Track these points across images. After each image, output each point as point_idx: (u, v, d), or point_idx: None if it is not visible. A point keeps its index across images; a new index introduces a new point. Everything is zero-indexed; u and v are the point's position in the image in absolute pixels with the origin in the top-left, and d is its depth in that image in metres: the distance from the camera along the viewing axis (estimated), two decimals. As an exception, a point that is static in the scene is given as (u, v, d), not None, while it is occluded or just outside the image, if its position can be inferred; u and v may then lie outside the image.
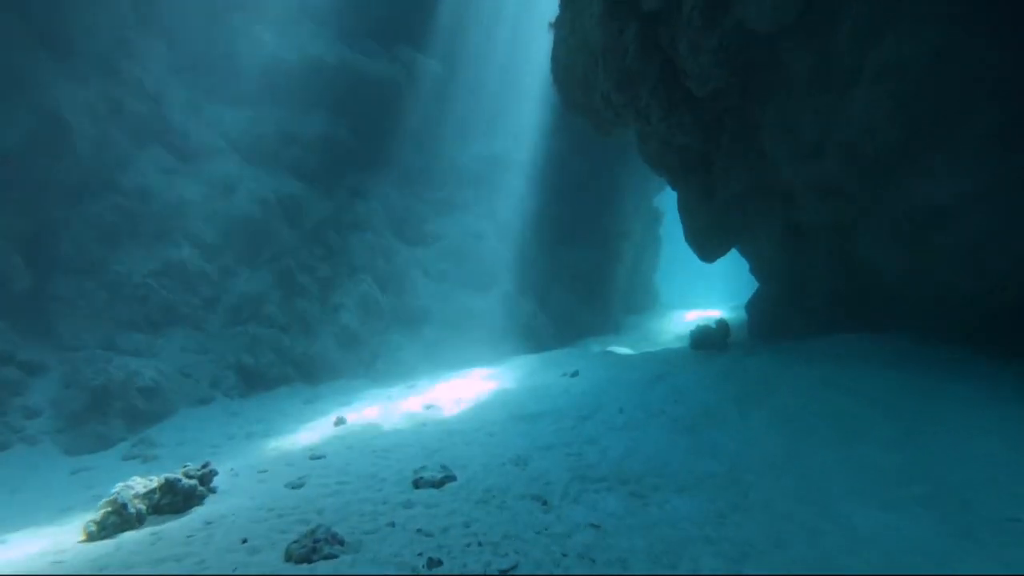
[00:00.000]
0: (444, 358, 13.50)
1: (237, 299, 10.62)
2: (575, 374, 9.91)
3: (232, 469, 6.11)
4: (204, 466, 5.02)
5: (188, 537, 4.14)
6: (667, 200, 28.77)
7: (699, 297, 31.50)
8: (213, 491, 5.09)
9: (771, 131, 8.18)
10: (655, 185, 24.31)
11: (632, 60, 7.99)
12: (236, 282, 10.80)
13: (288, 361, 11.20)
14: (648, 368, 9.81)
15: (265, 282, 11.16)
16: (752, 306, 13.65)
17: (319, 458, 6.38)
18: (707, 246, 12.01)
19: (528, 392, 9.09)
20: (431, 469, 5.59)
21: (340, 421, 8.18)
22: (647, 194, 23.07)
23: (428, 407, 8.88)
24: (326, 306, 12.47)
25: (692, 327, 18.42)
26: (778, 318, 11.81)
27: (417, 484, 5.32)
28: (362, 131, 14.85)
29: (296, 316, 11.56)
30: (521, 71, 19.65)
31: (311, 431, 7.99)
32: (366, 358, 13.19)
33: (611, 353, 12.37)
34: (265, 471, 6.04)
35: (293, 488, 5.33)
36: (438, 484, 5.32)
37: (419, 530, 4.04)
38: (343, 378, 12.40)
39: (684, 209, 12.22)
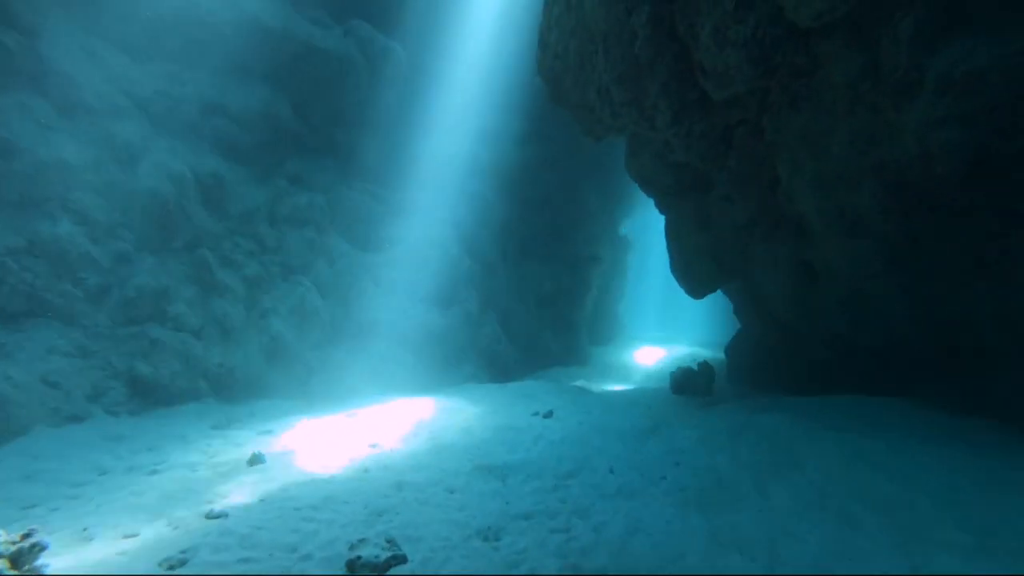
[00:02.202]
0: (394, 380, 12.01)
1: (135, 292, 8.77)
2: (549, 414, 8.74)
3: (86, 530, 4.48)
4: (26, 535, 3.41)
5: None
6: (634, 227, 28.54)
7: (659, 330, 31.25)
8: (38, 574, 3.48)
9: (792, 152, 7.44)
10: (623, 210, 24.01)
11: (641, 48, 7.06)
12: (135, 271, 8.93)
13: (199, 373, 9.40)
14: (634, 414, 8.78)
15: (174, 275, 9.36)
16: (736, 349, 12.99)
17: (219, 517, 4.85)
18: (697, 280, 11.23)
19: (495, 433, 7.83)
20: (373, 543, 4.26)
21: (257, 459, 6.59)
22: (615, 219, 22.66)
23: (373, 445, 7.44)
24: (253, 310, 10.75)
25: (664, 365, 17.76)
26: (771, 367, 11.15)
27: (352, 567, 3.98)
28: (308, 112, 13.28)
29: (213, 319, 9.79)
30: (494, 69, 18.69)
31: (215, 470, 6.36)
32: (300, 375, 11.52)
33: (585, 390, 11.29)
34: (135, 535, 4.46)
35: (169, 570, 3.81)
36: (382, 568, 3.98)
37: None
38: (269, 398, 10.68)
39: (674, 236, 11.42)
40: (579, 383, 13.36)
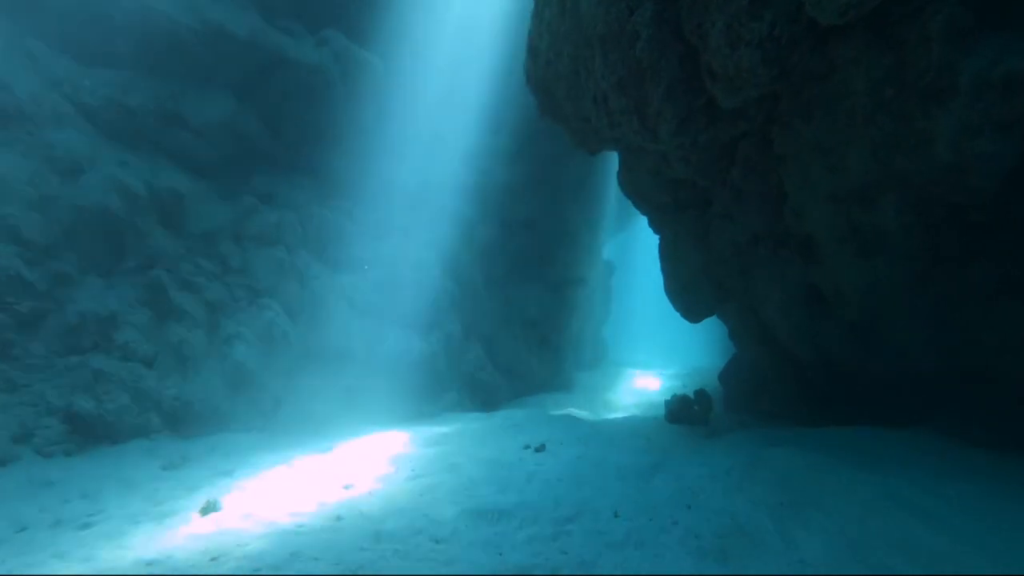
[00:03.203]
0: (371, 410, 11.23)
1: (76, 319, 7.92)
2: (541, 447, 8.09)
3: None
4: None
5: None
6: (616, 250, 28.43)
7: (643, 354, 30.92)
8: None
9: (802, 165, 7.11)
10: (607, 233, 23.84)
11: (643, 50, 6.68)
12: (77, 295, 8.07)
13: (151, 406, 8.52)
14: (633, 447, 8.21)
15: (124, 298, 8.52)
16: (731, 376, 12.57)
17: (159, 586, 4.07)
18: (693, 303, 10.81)
19: (483, 470, 7.15)
20: (349, 616, 3.54)
21: (211, 507, 5.79)
22: (598, 241, 22.47)
23: (347, 486, 6.70)
24: (215, 336, 9.92)
25: (652, 391, 17.28)
26: (769, 395, 10.73)
27: (324, 650, 3.25)
28: (277, 126, 12.66)
29: (168, 346, 8.94)
30: (477, 87, 18.44)
31: (161, 521, 5.53)
32: (266, 406, 10.68)
33: (576, 419, 10.67)
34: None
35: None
36: (361, 651, 3.27)
37: None
38: (232, 431, 9.82)
39: (670, 257, 11.04)
40: (568, 411, 12.74)
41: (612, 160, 23.58)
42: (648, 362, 26.01)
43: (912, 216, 5.91)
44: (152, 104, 10.01)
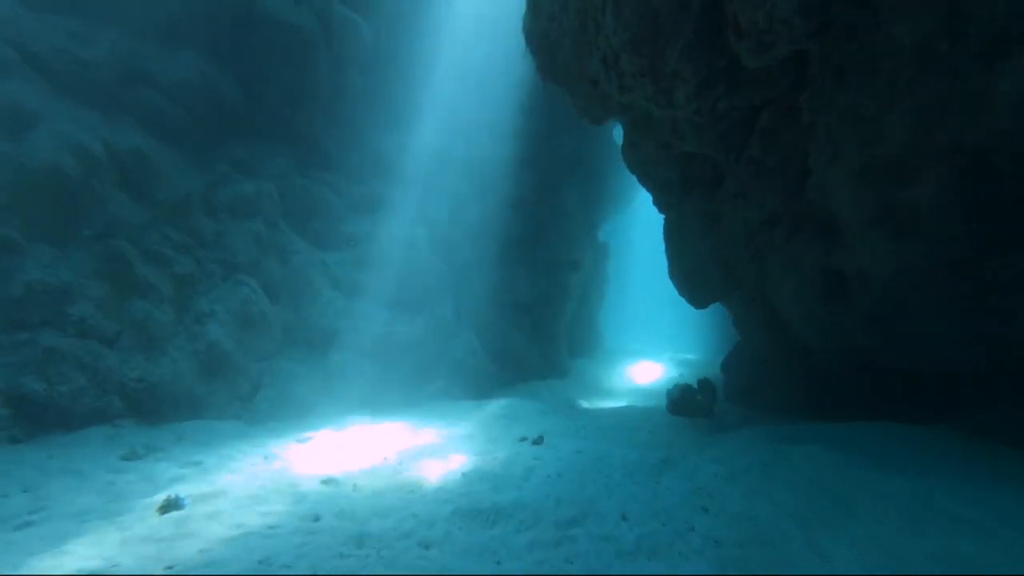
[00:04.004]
0: (355, 397, 10.67)
1: (23, 291, 7.20)
2: (539, 440, 7.60)
3: None
4: None
5: None
6: (610, 232, 27.90)
7: (638, 341, 30.59)
8: None
9: (832, 136, 6.56)
10: (602, 214, 23.27)
11: (662, 1, 6.06)
12: (24, 264, 7.34)
13: (112, 389, 7.87)
14: (637, 440, 7.77)
15: (80, 269, 7.81)
16: (735, 365, 12.15)
17: (100, 603, 3.50)
18: (700, 288, 10.31)
19: (477, 465, 6.64)
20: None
21: (172, 504, 5.21)
22: (594, 223, 21.95)
23: (327, 481, 6.16)
24: (185, 314, 9.25)
25: (651, 379, 16.88)
26: (777, 386, 10.33)
27: None
28: (255, 88, 11.83)
29: (132, 324, 8.27)
30: (470, 58, 17.68)
31: (113, 521, 4.95)
32: (243, 390, 10.08)
33: (574, 409, 10.22)
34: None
35: None
36: None
37: None
38: (203, 418, 9.23)
39: (676, 239, 10.50)
40: (564, 400, 12.27)
41: (609, 137, 22.97)
42: (643, 350, 25.66)
43: (956, 193, 5.41)
44: (112, 58, 9.16)
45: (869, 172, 6.20)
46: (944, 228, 5.86)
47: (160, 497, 5.39)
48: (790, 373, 10.01)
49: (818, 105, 6.47)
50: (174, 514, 5.08)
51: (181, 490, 5.69)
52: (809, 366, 9.49)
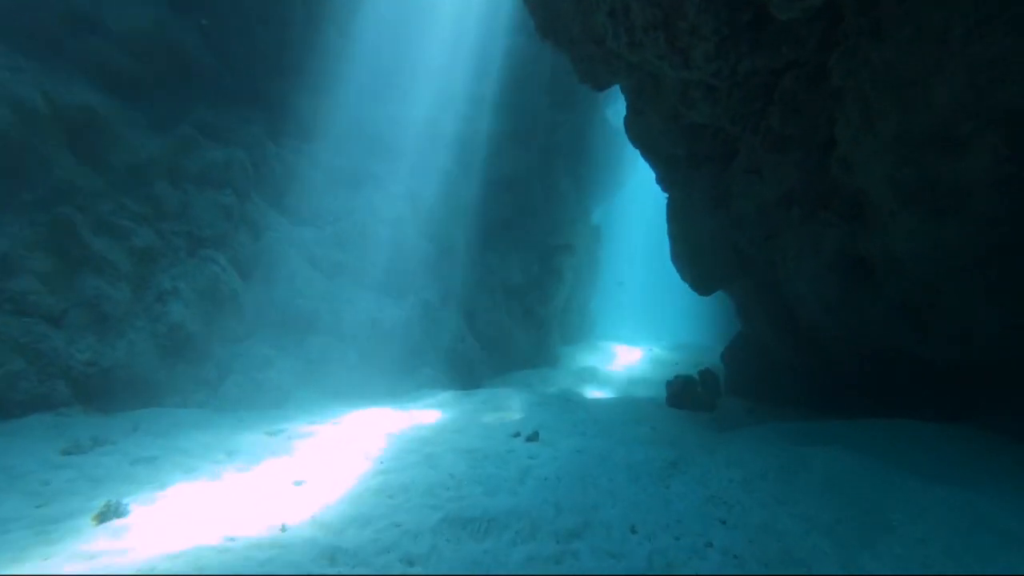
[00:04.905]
0: (334, 385, 10.03)
1: (-56, 259, 6.42)
2: (534, 436, 7.03)
3: None
4: None
5: None
6: (600, 214, 27.32)
7: (628, 328, 30.21)
8: None
9: (865, 102, 5.96)
10: (596, 196, 22.66)
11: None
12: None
13: (57, 373, 7.12)
14: (639, 437, 7.26)
15: (19, 239, 6.99)
16: (737, 356, 11.64)
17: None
18: (706, 273, 9.74)
19: (467, 464, 6.05)
20: None
21: (111, 511, 4.55)
22: (587, 205, 21.36)
23: (299, 483, 5.53)
24: (145, 292, 8.48)
25: (644, 368, 16.36)
26: (783, 379, 9.85)
27: None
28: (225, 46, 10.89)
29: (82, 301, 7.49)
30: (460, 25, 16.82)
31: (40, 531, 4.28)
32: (210, 376, 9.39)
33: (569, 401, 9.65)
34: None
35: None
36: None
37: None
38: (165, 404, 8.53)
39: (681, 219, 9.90)
40: (557, 390, 11.72)
41: (603, 117, 22.25)
42: (635, 337, 25.23)
43: (1014, 166, 4.85)
44: (54, 1, 8.22)
45: (907, 142, 5.62)
46: (991, 208, 5.32)
47: (100, 502, 4.72)
48: (798, 365, 9.55)
49: (850, 66, 5.85)
50: (114, 523, 4.41)
51: (126, 493, 5.03)
52: (820, 358, 9.02)
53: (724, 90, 6.87)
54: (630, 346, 21.45)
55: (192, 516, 4.59)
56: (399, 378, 10.77)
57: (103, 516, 4.46)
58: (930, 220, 5.81)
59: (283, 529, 4.47)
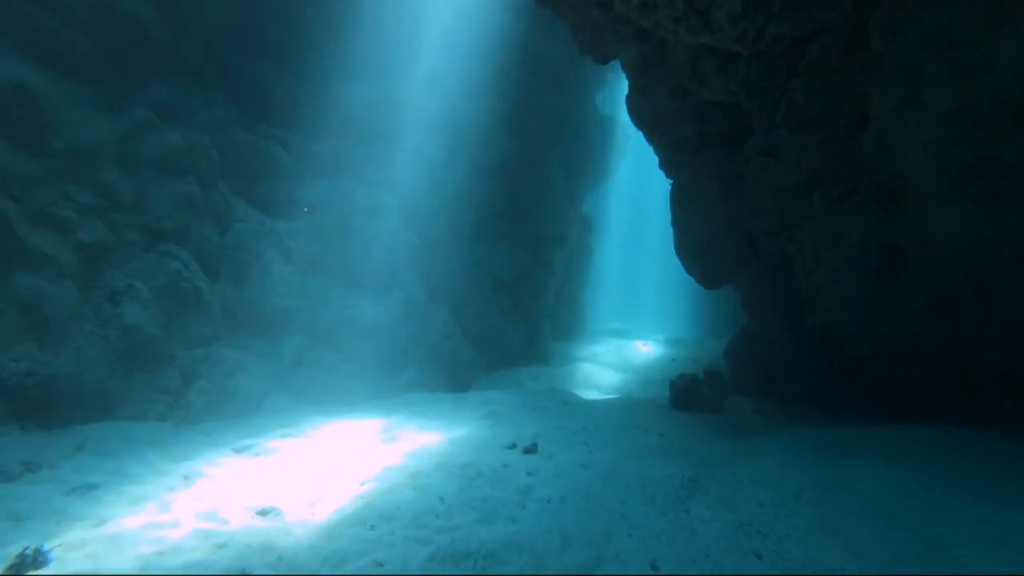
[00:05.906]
0: (311, 390, 9.29)
1: None
2: (532, 448, 6.35)
3: None
4: None
5: None
6: (597, 206, 26.70)
7: (618, 321, 29.69)
8: None
9: (908, 70, 5.33)
10: (588, 185, 21.98)
11: None
12: None
13: (-10, 387, 6.26)
14: (647, 446, 6.64)
15: (-68, 230, 6.13)
16: (742, 353, 11.03)
17: None
18: (714, 265, 9.11)
19: (458, 485, 5.35)
20: None
21: (30, 561, 3.78)
22: (579, 195, 20.69)
23: (266, 512, 4.81)
24: (93, 291, 7.62)
25: (642, 364, 15.74)
26: (797, 380, 9.28)
27: None
28: (183, 19, 9.94)
29: (17, 304, 6.62)
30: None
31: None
32: (172, 383, 8.58)
33: (568, 403, 8.98)
34: None
35: None
36: None
37: None
38: (119, 417, 7.71)
39: (688, 206, 9.26)
40: (551, 390, 11.06)
41: (593, 103, 21.53)
42: (628, 331, 24.69)
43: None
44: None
45: (961, 116, 4.99)
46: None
47: (18, 546, 3.93)
48: (810, 363, 8.98)
49: (894, 28, 5.21)
50: (31, 576, 3.65)
51: (53, 533, 4.25)
52: (835, 356, 8.45)
53: (744, 59, 6.19)
54: (624, 340, 20.91)
55: (131, 562, 3.83)
56: (383, 380, 10.01)
57: (16, 567, 3.69)
58: (986, 204, 5.20)
59: (243, 570, 3.75)
